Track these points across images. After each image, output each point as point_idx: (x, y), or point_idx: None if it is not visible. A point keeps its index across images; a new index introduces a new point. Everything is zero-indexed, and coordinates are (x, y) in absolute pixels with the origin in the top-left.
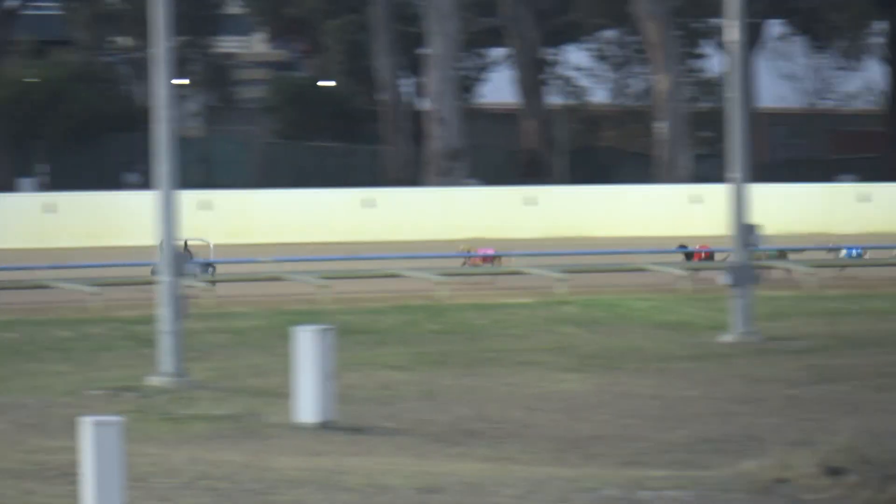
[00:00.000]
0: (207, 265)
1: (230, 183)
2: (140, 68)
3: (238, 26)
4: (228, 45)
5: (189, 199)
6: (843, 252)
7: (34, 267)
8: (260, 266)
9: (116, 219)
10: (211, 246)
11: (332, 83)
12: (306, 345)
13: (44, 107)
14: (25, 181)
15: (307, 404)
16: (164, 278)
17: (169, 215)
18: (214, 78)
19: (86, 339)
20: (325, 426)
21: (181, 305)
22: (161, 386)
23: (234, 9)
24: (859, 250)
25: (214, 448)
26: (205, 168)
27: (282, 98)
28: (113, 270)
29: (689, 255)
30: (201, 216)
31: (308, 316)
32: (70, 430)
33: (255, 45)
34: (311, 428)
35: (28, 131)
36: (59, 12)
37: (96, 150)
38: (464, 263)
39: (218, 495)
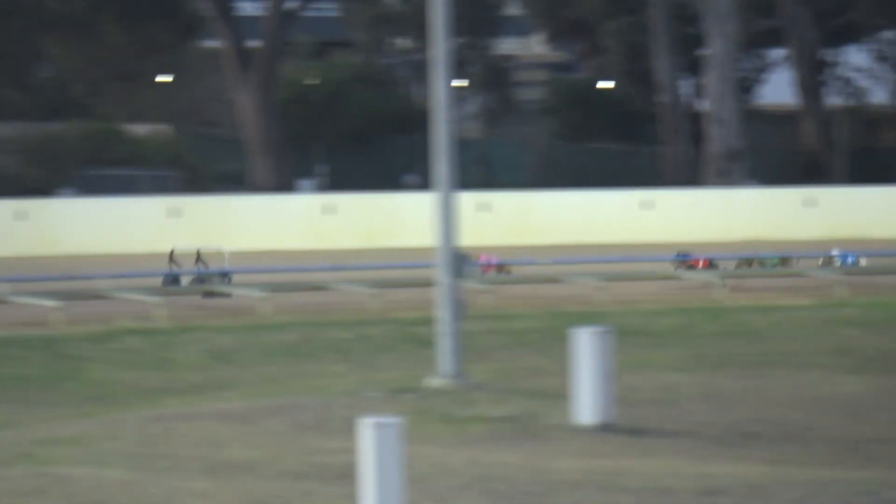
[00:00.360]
0: (224, 274)
1: (509, 184)
2: (419, 70)
3: (517, 27)
4: (507, 46)
5: (468, 200)
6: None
7: (313, 269)
8: (538, 267)
9: (395, 220)
10: (226, 255)
11: (611, 84)
12: (585, 346)
13: (323, 108)
14: (305, 182)
15: (586, 406)
16: (444, 280)
17: (448, 217)
18: (493, 79)
19: (364, 340)
20: (604, 428)
21: (460, 307)
22: (440, 387)
23: (513, 10)
24: (853, 257)
25: (493, 449)
26: (483, 169)
27: (560, 99)
28: (391, 272)
29: (684, 263)
30: (480, 217)
31: (586, 317)
32: (349, 430)
33: (534, 46)
34: (590, 429)
35: (307, 133)
36: (339, 14)
37: (375, 151)
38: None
39: (496, 497)
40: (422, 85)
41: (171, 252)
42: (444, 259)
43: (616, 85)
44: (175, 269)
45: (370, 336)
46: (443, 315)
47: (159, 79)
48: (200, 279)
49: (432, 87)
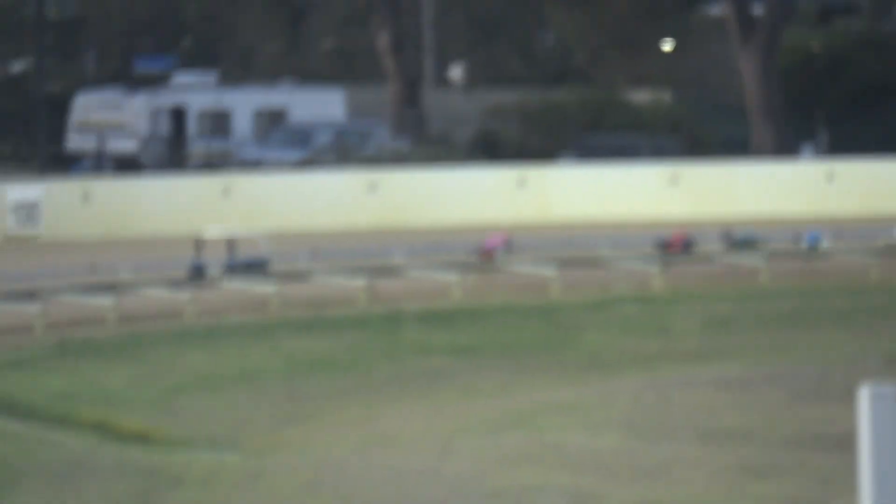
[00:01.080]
0: (260, 263)
1: None
2: None
3: None
4: None
5: None
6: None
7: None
8: None
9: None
10: (261, 241)
11: None
12: None
13: (825, 74)
14: (806, 148)
15: None
16: None
17: None
18: None
19: (864, 308)
20: None
21: None
22: None
23: None
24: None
25: None
26: None
27: None
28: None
29: (664, 246)
30: None
31: None
32: (848, 399)
33: None
34: None
35: (809, 99)
36: None
37: (879, 117)
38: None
39: None
40: None
41: (197, 239)
42: None
43: None
44: (200, 257)
45: (869, 304)
46: None
47: (661, 45)
48: (233, 269)
49: None
